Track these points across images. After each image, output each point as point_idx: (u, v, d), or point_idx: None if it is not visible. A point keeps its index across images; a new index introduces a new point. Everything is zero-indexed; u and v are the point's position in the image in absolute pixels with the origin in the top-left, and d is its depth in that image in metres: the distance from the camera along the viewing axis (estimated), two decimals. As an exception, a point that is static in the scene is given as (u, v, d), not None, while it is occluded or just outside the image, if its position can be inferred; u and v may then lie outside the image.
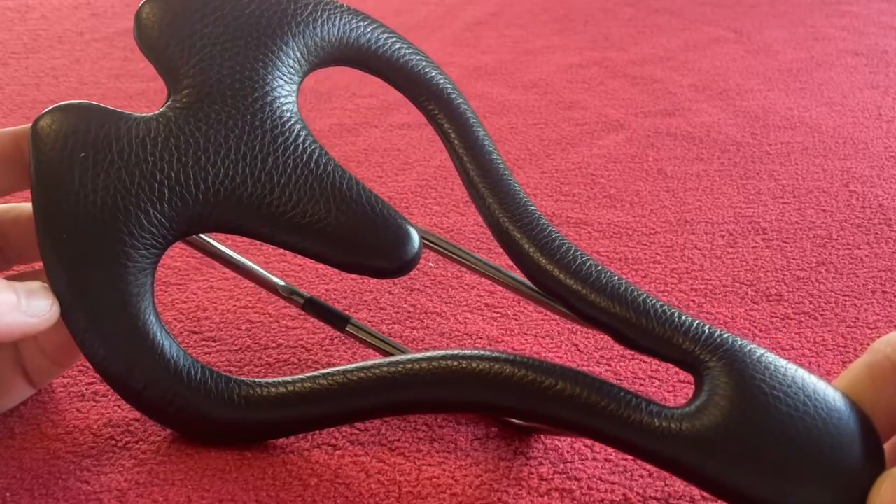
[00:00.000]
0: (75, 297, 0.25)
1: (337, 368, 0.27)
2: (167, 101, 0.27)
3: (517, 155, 0.51)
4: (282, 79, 0.27)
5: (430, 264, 0.39)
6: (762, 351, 0.25)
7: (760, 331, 0.35)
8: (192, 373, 0.27)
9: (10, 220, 0.29)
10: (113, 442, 0.29)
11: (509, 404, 0.26)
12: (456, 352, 0.27)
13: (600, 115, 0.56)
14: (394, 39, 0.30)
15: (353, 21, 0.30)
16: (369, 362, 0.27)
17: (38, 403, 0.30)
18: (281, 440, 0.29)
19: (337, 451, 0.29)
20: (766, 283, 0.38)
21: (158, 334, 0.27)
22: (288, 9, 0.28)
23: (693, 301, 0.37)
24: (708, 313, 0.36)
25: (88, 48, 0.68)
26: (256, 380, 0.28)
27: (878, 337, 0.32)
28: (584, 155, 0.51)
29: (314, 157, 0.27)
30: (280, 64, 0.27)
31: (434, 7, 0.81)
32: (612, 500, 0.27)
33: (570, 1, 0.83)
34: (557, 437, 0.29)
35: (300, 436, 0.29)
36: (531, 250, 0.28)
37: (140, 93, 0.59)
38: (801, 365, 0.33)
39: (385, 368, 0.27)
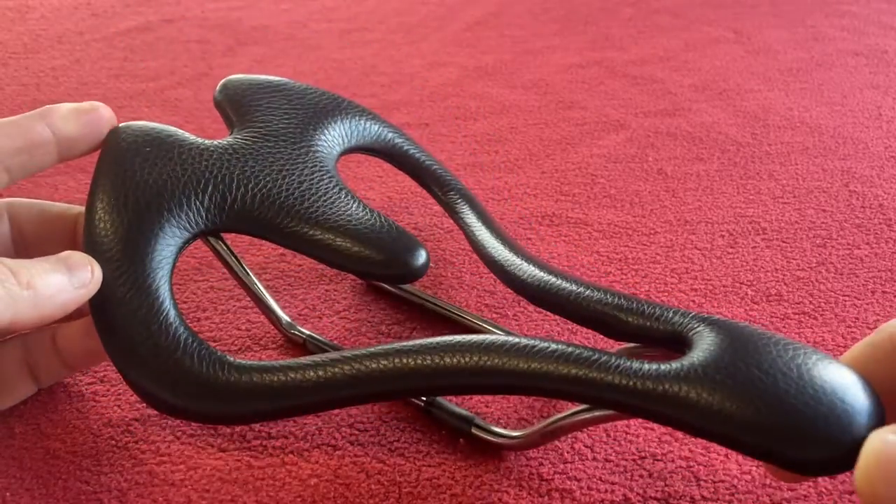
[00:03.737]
0: (109, 236, 0.28)
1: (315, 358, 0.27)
2: (228, 136, 0.32)
3: (517, 155, 0.51)
4: (325, 143, 0.34)
5: (430, 264, 0.39)
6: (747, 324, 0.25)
7: (760, 331, 0.35)
8: (190, 340, 0.27)
9: (34, 215, 0.30)
10: (112, 442, 0.29)
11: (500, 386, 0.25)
12: (447, 342, 0.26)
13: (600, 115, 0.56)
14: (418, 148, 0.39)
15: (390, 130, 0.38)
16: (336, 356, 0.27)
17: (38, 403, 0.30)
18: (280, 441, 0.29)
19: (337, 452, 0.29)
20: (766, 283, 0.38)
21: (167, 300, 0.27)
22: (341, 103, 0.36)
23: (693, 301, 0.37)
24: (708, 313, 0.36)
25: (88, 48, 0.68)
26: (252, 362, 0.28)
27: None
28: (584, 155, 0.51)
29: (343, 190, 0.31)
30: (326, 134, 0.34)
31: (434, 7, 0.81)
32: (612, 500, 0.27)
33: (570, 1, 0.83)
34: (558, 438, 0.29)
35: (300, 436, 0.29)
36: (529, 265, 0.31)
37: (140, 93, 0.59)
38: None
39: (357, 364, 0.26)
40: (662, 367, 0.23)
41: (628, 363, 0.23)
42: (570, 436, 0.29)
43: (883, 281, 0.39)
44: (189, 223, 0.29)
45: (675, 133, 0.54)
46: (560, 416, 0.27)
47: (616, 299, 0.28)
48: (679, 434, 0.30)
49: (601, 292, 0.28)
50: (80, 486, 0.27)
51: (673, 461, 0.29)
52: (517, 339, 0.25)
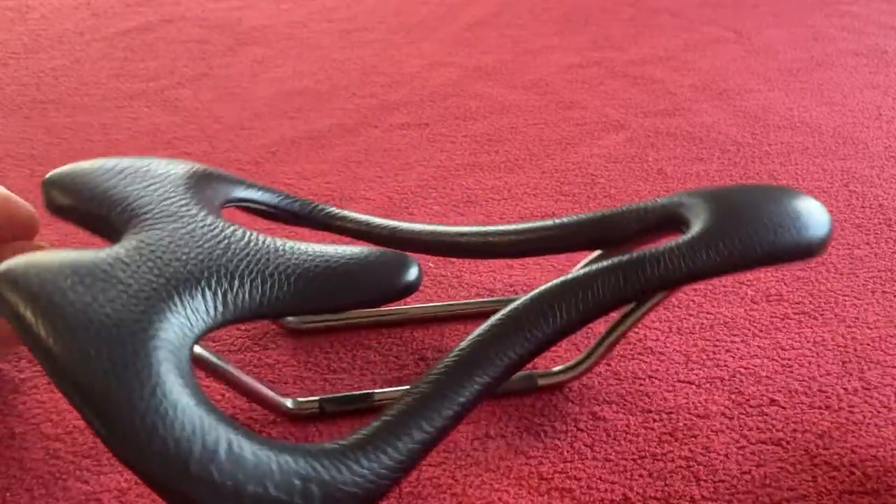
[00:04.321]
0: (126, 393, 0.21)
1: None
2: (117, 243, 0.25)
3: (517, 155, 0.51)
4: (214, 208, 0.28)
5: (430, 264, 0.39)
6: None
7: (760, 331, 0.35)
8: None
9: None
10: (113, 442, 0.29)
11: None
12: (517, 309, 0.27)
13: (600, 115, 0.56)
14: (270, 190, 0.33)
15: (240, 182, 0.32)
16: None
17: (38, 403, 0.31)
18: (280, 441, 0.29)
19: (337, 451, 0.29)
20: (766, 283, 0.38)
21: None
22: (198, 169, 0.30)
23: (693, 301, 0.37)
24: (708, 313, 0.36)
25: (88, 48, 0.68)
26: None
27: (879, 336, 0.32)
28: (584, 155, 0.51)
29: (284, 241, 0.27)
30: (207, 200, 0.29)
31: (434, 7, 0.81)
32: (612, 500, 0.27)
33: (570, 1, 0.83)
34: (557, 437, 0.29)
35: (300, 437, 0.29)
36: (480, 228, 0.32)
37: (140, 93, 0.59)
38: (801, 365, 0.33)
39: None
40: (682, 242, 0.27)
41: (656, 252, 0.27)
42: (570, 435, 0.29)
43: (883, 281, 0.39)
44: (186, 330, 0.23)
45: (675, 133, 0.54)
46: (609, 330, 0.30)
47: (605, 215, 0.30)
48: (679, 434, 0.30)
49: (586, 217, 0.30)
50: (79, 486, 0.27)
51: (673, 461, 0.29)
52: (563, 279, 0.27)
